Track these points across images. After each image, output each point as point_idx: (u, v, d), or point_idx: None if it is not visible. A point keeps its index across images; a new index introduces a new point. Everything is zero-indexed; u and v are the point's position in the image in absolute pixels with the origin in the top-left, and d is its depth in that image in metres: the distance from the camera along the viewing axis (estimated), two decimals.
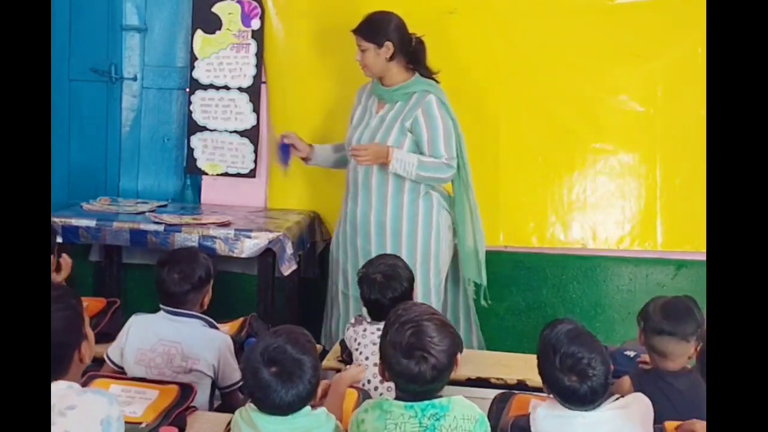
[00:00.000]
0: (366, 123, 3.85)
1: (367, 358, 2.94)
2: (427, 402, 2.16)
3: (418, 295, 3.69)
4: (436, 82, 3.82)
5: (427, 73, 3.82)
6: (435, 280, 3.83)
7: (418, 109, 3.72)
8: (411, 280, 3.08)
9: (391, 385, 2.31)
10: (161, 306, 2.93)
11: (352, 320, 3.15)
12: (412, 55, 3.80)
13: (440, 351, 2.15)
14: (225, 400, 2.94)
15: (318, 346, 3.02)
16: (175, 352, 2.84)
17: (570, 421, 2.22)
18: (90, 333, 2.19)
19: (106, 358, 2.93)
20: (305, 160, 4.06)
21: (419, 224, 3.79)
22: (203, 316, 2.95)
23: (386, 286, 3.01)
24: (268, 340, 2.20)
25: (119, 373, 2.86)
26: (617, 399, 2.29)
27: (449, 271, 3.94)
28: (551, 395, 2.28)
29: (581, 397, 2.21)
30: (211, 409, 2.88)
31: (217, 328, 2.98)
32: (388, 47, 3.72)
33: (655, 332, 2.72)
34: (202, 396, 2.78)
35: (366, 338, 2.98)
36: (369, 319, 3.05)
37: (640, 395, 2.39)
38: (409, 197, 3.78)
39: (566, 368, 2.20)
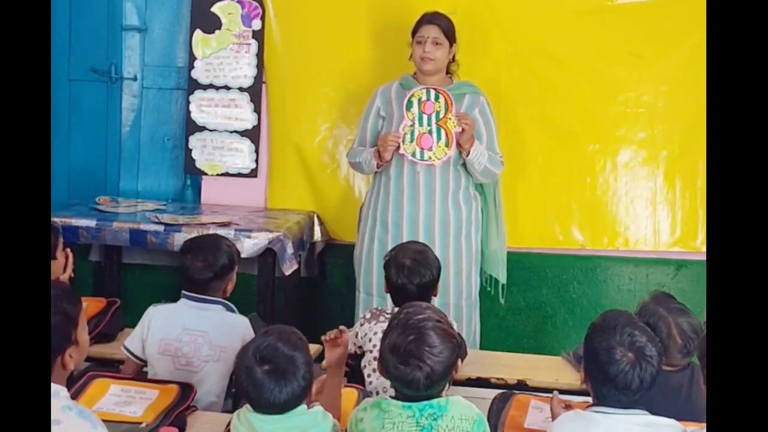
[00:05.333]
0: None
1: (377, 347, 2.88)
2: (425, 402, 2.15)
3: (471, 296, 3.83)
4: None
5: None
6: (478, 279, 3.90)
7: (475, 110, 3.77)
8: (439, 269, 3.00)
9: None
10: (183, 292, 2.91)
11: (367, 314, 3.07)
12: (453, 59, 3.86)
13: (437, 362, 2.13)
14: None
15: (316, 346, 3.03)
16: (202, 341, 2.84)
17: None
18: (82, 340, 2.13)
19: (124, 350, 2.93)
20: None
21: (464, 224, 3.80)
22: (224, 301, 2.93)
23: (414, 272, 2.92)
24: (259, 339, 2.20)
25: (141, 365, 2.90)
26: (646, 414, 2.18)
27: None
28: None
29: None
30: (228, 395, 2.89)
31: (235, 311, 2.96)
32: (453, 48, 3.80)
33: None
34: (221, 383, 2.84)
35: (380, 334, 2.91)
36: (388, 313, 2.97)
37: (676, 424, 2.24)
38: (453, 198, 3.78)
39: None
